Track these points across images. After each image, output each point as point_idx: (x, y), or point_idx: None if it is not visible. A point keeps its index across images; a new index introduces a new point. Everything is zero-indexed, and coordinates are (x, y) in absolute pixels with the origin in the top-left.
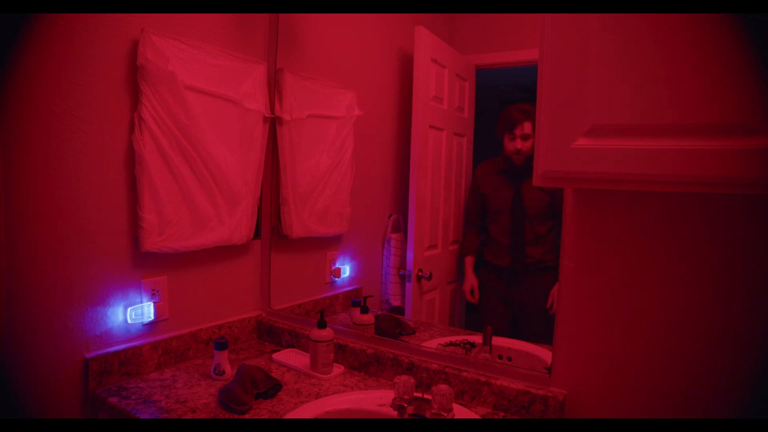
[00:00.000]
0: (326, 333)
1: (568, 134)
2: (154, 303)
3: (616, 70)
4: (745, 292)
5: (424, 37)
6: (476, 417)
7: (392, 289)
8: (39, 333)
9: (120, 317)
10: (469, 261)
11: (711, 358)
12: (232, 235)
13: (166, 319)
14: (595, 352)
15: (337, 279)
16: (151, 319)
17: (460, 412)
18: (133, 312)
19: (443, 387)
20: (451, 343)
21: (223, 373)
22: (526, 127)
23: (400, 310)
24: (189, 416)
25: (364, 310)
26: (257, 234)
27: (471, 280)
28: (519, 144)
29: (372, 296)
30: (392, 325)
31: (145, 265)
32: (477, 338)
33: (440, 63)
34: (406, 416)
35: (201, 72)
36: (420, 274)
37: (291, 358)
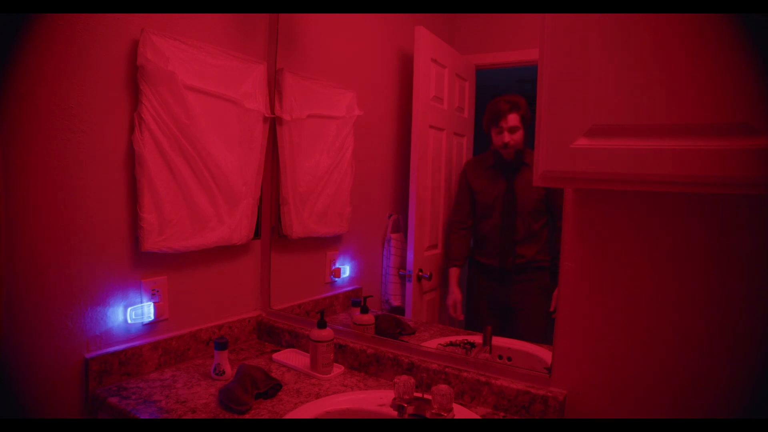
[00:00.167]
0: (326, 333)
1: (568, 134)
2: (154, 303)
3: (617, 70)
4: (746, 292)
5: (424, 37)
6: (476, 417)
7: (392, 289)
8: (39, 333)
9: (120, 317)
10: (453, 273)
11: (711, 358)
12: (232, 235)
13: (166, 319)
14: (595, 352)
15: (337, 279)
16: (151, 319)
17: (460, 412)
18: (133, 312)
19: (443, 387)
20: (451, 343)
21: (223, 373)
22: (512, 119)
23: (400, 310)
24: (189, 416)
25: (364, 310)
26: (257, 234)
27: (454, 295)
28: (507, 137)
29: (372, 296)
30: (392, 325)
31: (145, 265)
32: (477, 338)
33: (440, 63)
34: (406, 416)
35: (201, 72)
36: (420, 274)
37: (291, 358)
